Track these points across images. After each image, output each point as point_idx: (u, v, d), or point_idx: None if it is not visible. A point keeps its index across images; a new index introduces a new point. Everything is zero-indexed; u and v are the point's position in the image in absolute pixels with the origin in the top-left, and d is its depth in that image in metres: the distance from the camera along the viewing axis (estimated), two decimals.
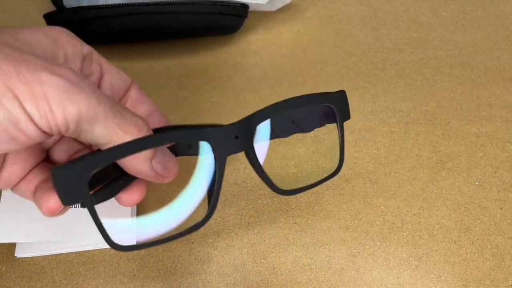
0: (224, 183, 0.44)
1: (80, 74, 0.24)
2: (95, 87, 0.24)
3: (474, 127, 0.50)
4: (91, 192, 0.27)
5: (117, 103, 0.25)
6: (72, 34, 0.29)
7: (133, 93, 0.34)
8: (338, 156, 0.29)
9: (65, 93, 0.22)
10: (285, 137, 0.35)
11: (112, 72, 0.31)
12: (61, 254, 0.39)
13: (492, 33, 0.58)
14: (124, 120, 0.25)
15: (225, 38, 0.55)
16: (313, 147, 0.47)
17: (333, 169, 0.30)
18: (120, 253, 0.40)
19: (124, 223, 0.33)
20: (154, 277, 0.39)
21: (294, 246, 0.42)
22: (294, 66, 0.53)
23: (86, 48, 0.30)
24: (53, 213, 0.27)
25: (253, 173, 0.45)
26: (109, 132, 0.24)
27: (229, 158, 0.47)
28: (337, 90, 0.35)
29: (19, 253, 0.39)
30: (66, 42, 0.28)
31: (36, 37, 0.26)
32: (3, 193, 0.40)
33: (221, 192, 0.31)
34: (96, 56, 0.31)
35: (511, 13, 0.60)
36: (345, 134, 0.48)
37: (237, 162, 0.46)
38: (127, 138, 0.25)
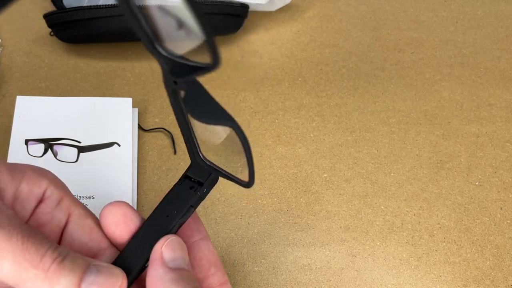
0: (224, 183, 0.44)
1: (0, 205, 0.22)
2: (14, 218, 0.22)
3: (474, 127, 0.50)
4: None
5: (39, 238, 0.22)
6: (42, 173, 0.27)
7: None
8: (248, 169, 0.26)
9: None
10: None
11: (81, 227, 0.27)
12: None
13: (492, 33, 0.58)
14: (38, 256, 0.22)
15: (225, 38, 0.55)
16: (313, 147, 0.47)
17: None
18: None
19: None
20: None
21: (294, 246, 0.42)
22: (294, 66, 0.53)
23: (55, 192, 0.27)
24: None
25: None
26: (18, 270, 0.22)
27: None
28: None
29: None
30: (27, 179, 0.25)
31: None
32: None
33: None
34: (67, 203, 0.27)
35: (511, 13, 0.60)
36: (345, 134, 0.48)
37: None
38: (43, 278, 0.22)
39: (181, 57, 0.22)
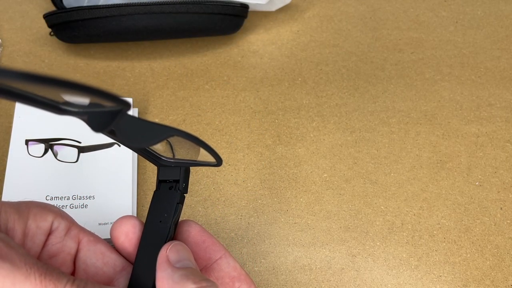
0: (224, 183, 0.45)
1: (14, 244, 0.23)
2: (29, 257, 0.23)
3: (474, 127, 0.50)
4: None
5: (56, 274, 0.23)
6: (46, 207, 0.27)
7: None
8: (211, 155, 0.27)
9: None
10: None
11: (93, 253, 0.28)
12: None
13: (492, 33, 0.58)
14: None
15: (225, 38, 0.55)
16: (313, 147, 0.47)
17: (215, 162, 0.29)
18: None
19: None
20: None
21: (294, 246, 0.42)
22: (294, 66, 0.53)
23: (62, 222, 0.28)
24: None
25: (253, 173, 0.45)
26: None
27: (228, 158, 0.47)
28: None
29: None
30: (32, 215, 0.26)
31: (3, 209, 0.25)
32: (3, 192, 0.40)
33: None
34: (76, 231, 0.28)
35: (511, 13, 0.60)
36: (345, 134, 0.48)
37: (237, 162, 0.46)
38: None
39: (92, 106, 0.21)
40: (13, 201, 0.27)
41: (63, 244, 0.28)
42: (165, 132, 0.24)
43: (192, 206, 0.43)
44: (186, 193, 0.29)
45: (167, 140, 0.28)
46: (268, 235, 0.42)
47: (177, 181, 0.29)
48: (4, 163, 0.42)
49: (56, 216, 0.27)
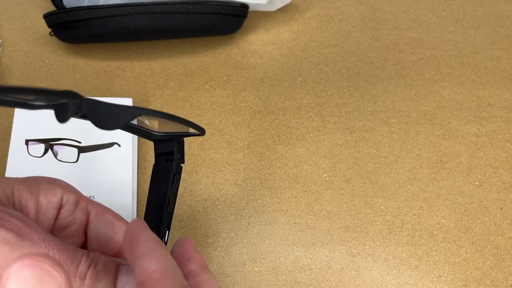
0: (224, 183, 0.45)
1: (31, 223, 0.24)
2: (47, 235, 0.24)
3: (474, 127, 0.50)
4: None
5: (72, 249, 0.24)
6: (55, 182, 0.29)
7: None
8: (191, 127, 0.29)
9: (10, 247, 0.22)
10: None
11: (103, 223, 0.29)
12: None
13: (492, 33, 0.58)
14: (74, 266, 0.24)
15: (225, 38, 0.55)
16: (313, 147, 0.47)
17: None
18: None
19: None
20: None
21: (294, 246, 0.42)
22: (294, 66, 0.53)
23: (71, 196, 0.29)
24: None
25: (253, 173, 0.45)
26: None
27: (228, 158, 0.47)
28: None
29: None
30: (43, 191, 0.27)
31: (15, 186, 0.26)
32: None
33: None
34: (84, 203, 0.29)
35: (511, 13, 0.60)
36: (345, 134, 0.48)
37: (237, 162, 0.46)
38: (81, 285, 0.24)
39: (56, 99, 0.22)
40: (22, 177, 0.28)
41: (73, 217, 0.29)
42: (132, 113, 0.25)
43: (192, 206, 0.43)
44: (183, 163, 0.30)
45: (148, 117, 0.29)
46: (268, 235, 0.42)
47: (171, 153, 0.30)
48: (4, 163, 0.42)
49: (64, 190, 0.28)
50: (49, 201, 0.28)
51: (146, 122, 0.30)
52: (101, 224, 0.29)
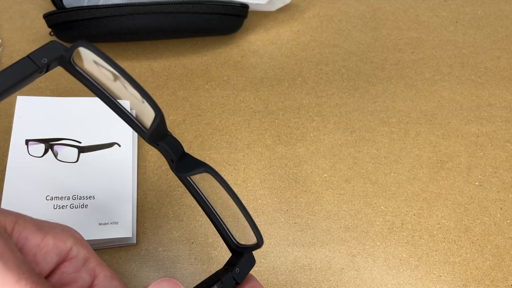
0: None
1: (12, 247, 0.22)
2: (24, 264, 0.22)
3: (474, 127, 0.50)
4: None
5: (46, 285, 0.22)
6: (70, 231, 0.26)
7: None
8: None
9: None
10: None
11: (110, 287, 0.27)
12: None
13: (492, 33, 0.58)
14: None
15: (225, 38, 0.55)
16: (313, 147, 0.47)
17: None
18: (120, 253, 0.40)
19: None
20: (154, 277, 0.39)
21: (294, 246, 0.42)
22: (294, 66, 0.53)
23: (81, 252, 0.26)
24: None
25: (253, 173, 0.45)
26: None
27: (228, 158, 0.47)
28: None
29: None
30: (53, 234, 0.25)
31: (21, 220, 0.24)
32: (4, 192, 0.40)
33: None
34: (93, 264, 0.27)
35: (511, 13, 0.60)
36: (345, 134, 0.48)
37: (237, 162, 0.46)
38: None
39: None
40: (38, 218, 0.26)
41: (78, 276, 0.26)
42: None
43: (192, 206, 0.43)
44: (238, 283, 0.28)
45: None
46: (268, 235, 0.42)
47: (234, 265, 0.28)
48: (4, 163, 0.42)
49: (76, 243, 0.26)
50: (55, 245, 0.25)
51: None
52: None
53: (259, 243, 0.27)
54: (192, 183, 0.28)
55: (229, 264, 0.29)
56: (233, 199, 0.25)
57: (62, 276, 0.26)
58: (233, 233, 0.29)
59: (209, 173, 0.25)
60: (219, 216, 0.29)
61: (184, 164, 0.27)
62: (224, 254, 0.41)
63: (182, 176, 0.28)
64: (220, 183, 0.25)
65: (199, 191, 0.29)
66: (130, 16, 0.48)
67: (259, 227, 0.27)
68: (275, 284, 0.40)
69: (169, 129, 0.48)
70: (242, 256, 0.28)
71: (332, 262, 0.41)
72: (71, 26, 0.48)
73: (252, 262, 0.29)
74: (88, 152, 0.43)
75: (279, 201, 0.44)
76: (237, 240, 0.29)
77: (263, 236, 0.42)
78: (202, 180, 0.28)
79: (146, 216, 0.42)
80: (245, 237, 0.28)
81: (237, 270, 0.28)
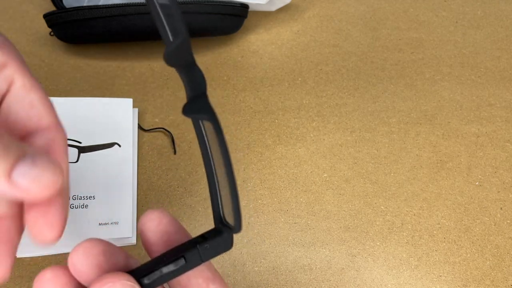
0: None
1: None
2: None
3: (474, 127, 0.50)
4: None
5: None
6: None
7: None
8: None
9: None
10: None
11: (21, 100, 0.23)
12: (61, 254, 0.39)
13: (492, 33, 0.58)
14: None
15: (225, 38, 0.55)
16: (313, 147, 0.47)
17: None
18: None
19: None
20: None
21: (294, 246, 0.42)
22: (294, 66, 0.53)
23: None
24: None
25: (253, 173, 0.45)
26: None
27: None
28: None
29: (19, 253, 0.39)
30: None
31: None
32: None
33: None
34: (11, 70, 0.23)
35: (511, 13, 0.60)
36: (345, 134, 0.48)
37: (237, 162, 0.46)
38: None
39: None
40: None
41: None
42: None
43: (192, 206, 0.43)
44: (202, 260, 0.25)
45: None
46: (268, 235, 0.42)
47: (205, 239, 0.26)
48: None
49: None
50: None
51: None
52: (19, 101, 0.23)
53: (235, 226, 0.24)
54: (203, 131, 0.25)
55: (203, 237, 0.26)
56: (224, 164, 0.22)
57: None
58: (224, 206, 0.26)
59: (210, 122, 0.22)
60: (217, 180, 0.26)
61: (193, 105, 0.24)
62: (224, 254, 0.41)
63: (188, 116, 0.24)
64: (217, 138, 0.22)
65: (207, 144, 0.25)
66: (130, 16, 0.48)
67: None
68: (275, 284, 0.40)
69: (169, 129, 0.48)
70: (220, 234, 0.25)
71: (332, 262, 0.41)
72: (71, 26, 0.48)
73: (227, 245, 0.25)
74: (88, 152, 0.43)
75: (279, 201, 0.44)
76: (224, 215, 0.26)
77: (262, 236, 0.42)
78: (210, 133, 0.24)
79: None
80: (231, 216, 0.26)
81: (207, 246, 0.25)
